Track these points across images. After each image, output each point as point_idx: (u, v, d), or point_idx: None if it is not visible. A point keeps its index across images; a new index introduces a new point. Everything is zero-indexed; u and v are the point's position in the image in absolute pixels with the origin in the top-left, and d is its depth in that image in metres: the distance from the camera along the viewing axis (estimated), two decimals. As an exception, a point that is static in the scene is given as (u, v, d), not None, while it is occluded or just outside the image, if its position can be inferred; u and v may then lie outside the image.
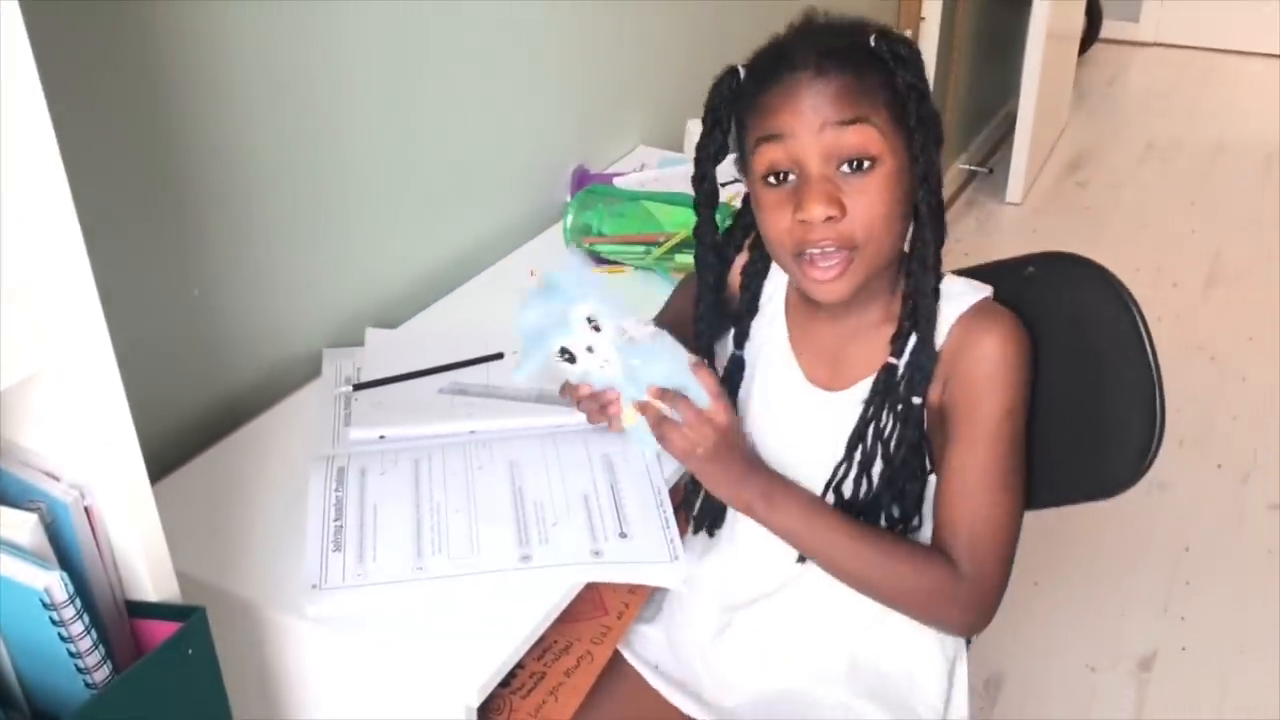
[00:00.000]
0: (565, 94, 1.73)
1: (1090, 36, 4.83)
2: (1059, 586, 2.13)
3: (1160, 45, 5.12)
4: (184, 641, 0.72)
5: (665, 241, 1.50)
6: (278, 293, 1.29)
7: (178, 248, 1.15)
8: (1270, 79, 4.77)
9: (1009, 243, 3.48)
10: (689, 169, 1.67)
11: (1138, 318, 1.07)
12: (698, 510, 1.16)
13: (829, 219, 0.95)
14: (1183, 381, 2.75)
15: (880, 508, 1.04)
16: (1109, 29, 5.02)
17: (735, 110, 1.03)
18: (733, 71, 1.03)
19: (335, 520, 1.04)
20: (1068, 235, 3.49)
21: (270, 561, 1.02)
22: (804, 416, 1.08)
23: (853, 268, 0.98)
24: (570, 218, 1.54)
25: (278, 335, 1.30)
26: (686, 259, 1.48)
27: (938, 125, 1.00)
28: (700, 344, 1.11)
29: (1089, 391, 1.10)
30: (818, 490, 1.05)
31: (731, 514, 1.14)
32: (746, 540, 1.12)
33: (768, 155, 0.97)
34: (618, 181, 1.70)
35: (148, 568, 0.77)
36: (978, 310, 1.02)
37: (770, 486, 1.02)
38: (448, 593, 0.98)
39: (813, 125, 0.94)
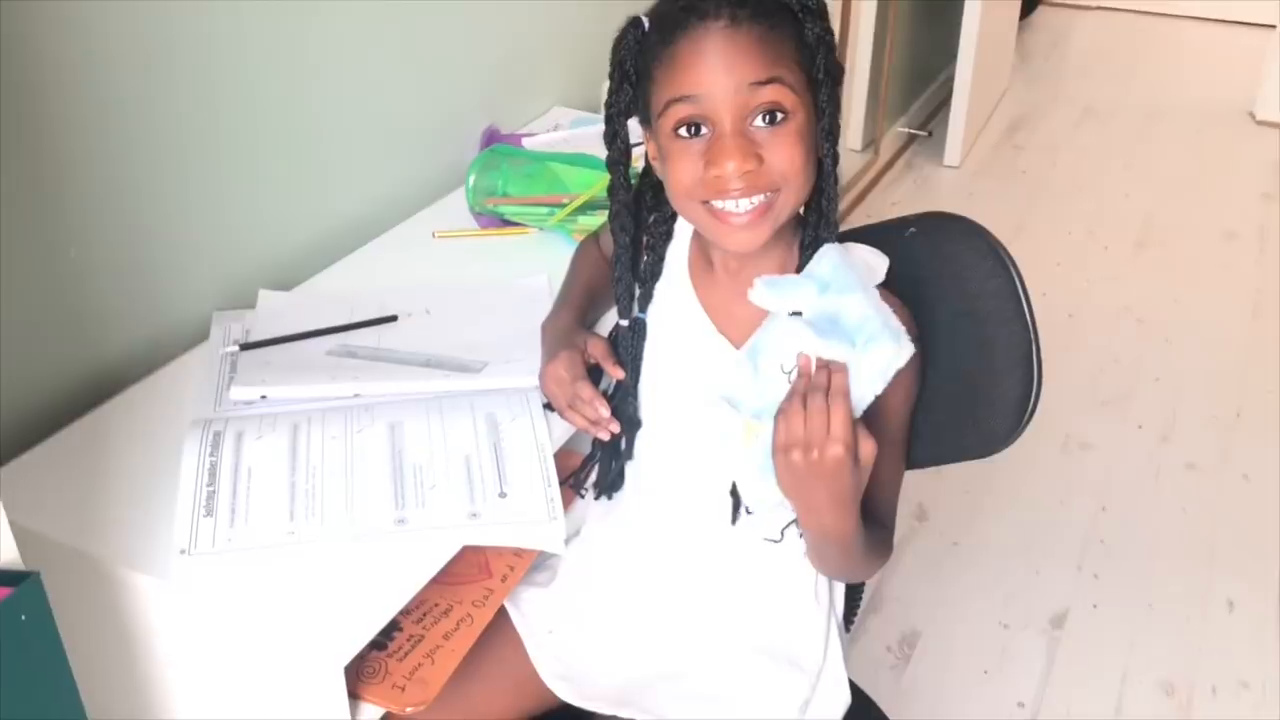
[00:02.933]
0: (477, 52, 1.71)
1: (1033, 0, 4.85)
2: (976, 545, 2.16)
3: (1103, 9, 5.13)
4: (15, 606, 0.71)
5: (570, 203, 1.49)
6: (164, 254, 1.26)
7: (53, 206, 1.12)
8: (1206, 44, 4.80)
9: (946, 205, 3.43)
10: (599, 129, 1.66)
11: (1014, 275, 1.08)
12: (597, 474, 1.16)
13: (746, 172, 0.94)
14: (1109, 343, 2.79)
15: None
16: (1052, -8, 5.04)
17: (641, 62, 1.00)
18: (636, 22, 1.01)
19: (209, 485, 1.03)
20: (1004, 198, 3.51)
21: (140, 527, 1.01)
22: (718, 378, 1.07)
23: (771, 213, 0.97)
24: (473, 178, 1.52)
25: (165, 298, 1.27)
26: (589, 220, 1.47)
27: (841, 77, 1.00)
28: (622, 307, 1.10)
29: (971, 350, 1.10)
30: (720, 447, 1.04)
31: (632, 480, 1.13)
32: (648, 505, 1.12)
33: (678, 113, 0.96)
34: (526, 142, 1.68)
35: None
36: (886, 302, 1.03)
37: (824, 510, 0.96)
38: (319, 557, 0.97)
39: (726, 86, 0.93)
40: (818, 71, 0.97)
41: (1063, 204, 3.49)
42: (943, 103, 3.97)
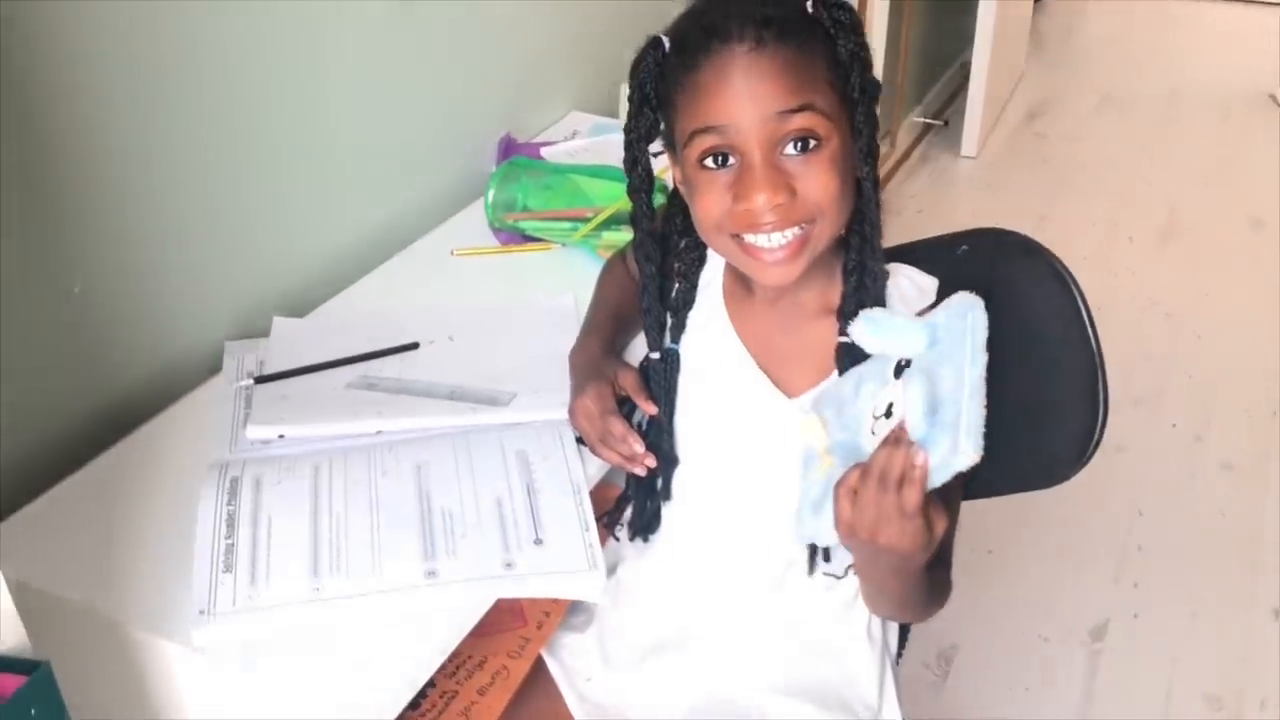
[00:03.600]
0: (490, 57, 1.64)
1: (1047, -17, 4.76)
2: (1012, 554, 2.10)
3: (1117, -8, 5.04)
4: (25, 701, 0.65)
5: (594, 217, 1.43)
6: (171, 282, 1.20)
7: (55, 240, 1.06)
8: (1224, 25, 4.72)
9: (964, 197, 3.43)
10: (620, 136, 1.58)
11: (1078, 296, 1.02)
12: (632, 514, 1.09)
13: (777, 205, 0.88)
14: (1138, 339, 2.72)
15: None
16: (1065, -25, 4.95)
17: (663, 86, 0.93)
18: (656, 43, 0.93)
19: (226, 538, 0.97)
20: (1024, 189, 3.43)
21: (156, 583, 0.95)
22: (764, 420, 1.00)
23: (807, 247, 0.91)
24: (492, 193, 1.46)
25: (173, 329, 1.21)
26: (615, 235, 1.40)
27: (878, 94, 0.93)
28: (651, 339, 1.04)
29: (1028, 376, 1.04)
30: (776, 497, 0.98)
31: (669, 520, 1.07)
32: (687, 548, 1.06)
33: (704, 143, 0.89)
34: (545, 153, 1.62)
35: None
36: None
37: (887, 573, 0.90)
38: (347, 615, 0.92)
39: (754, 116, 0.87)
40: (853, 90, 0.90)
41: (1085, 194, 3.41)
42: (957, 91, 3.90)
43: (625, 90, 1.82)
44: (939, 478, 0.80)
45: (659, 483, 1.05)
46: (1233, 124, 3.83)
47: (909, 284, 1.00)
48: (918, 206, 3.35)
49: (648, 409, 1.03)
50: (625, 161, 1.00)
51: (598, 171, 1.48)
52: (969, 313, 0.85)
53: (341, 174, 1.40)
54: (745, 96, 0.87)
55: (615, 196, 1.43)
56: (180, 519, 1.01)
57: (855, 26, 0.90)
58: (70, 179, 1.06)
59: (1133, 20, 4.79)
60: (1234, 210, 3.29)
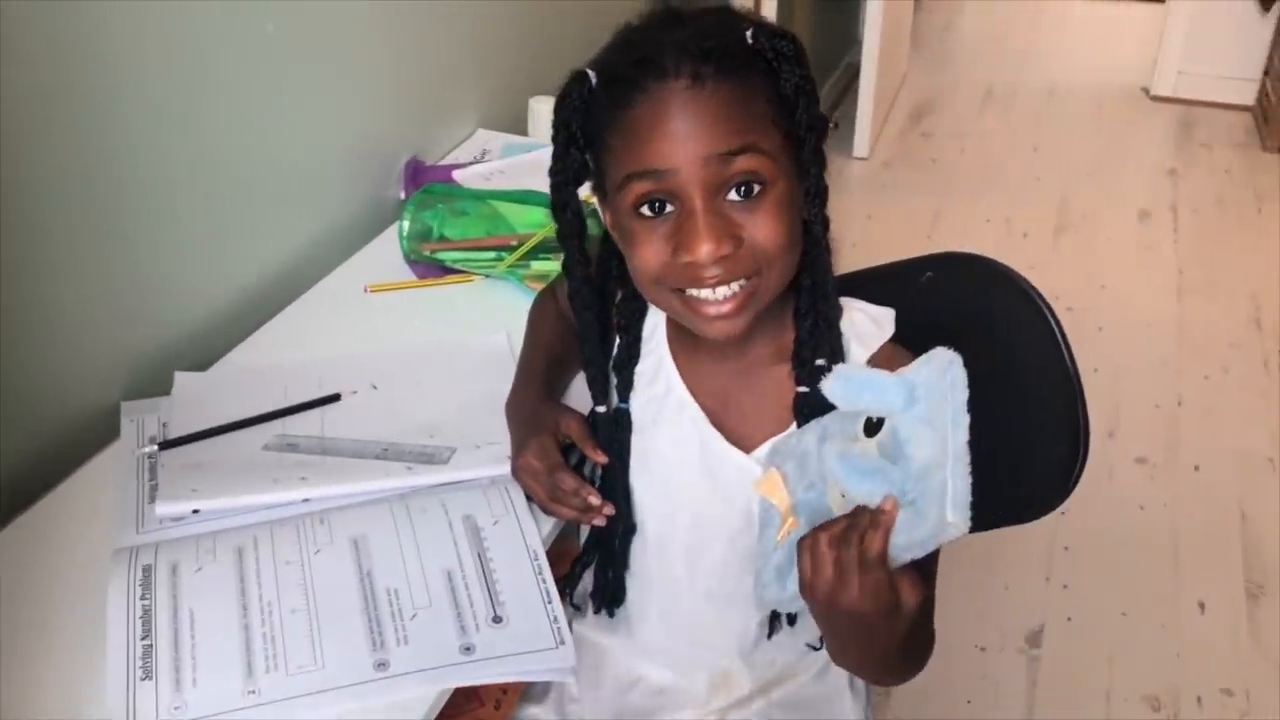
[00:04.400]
0: (390, 76, 1.53)
1: (922, -18, 4.82)
2: (944, 565, 2.07)
3: (990, -10, 5.14)
4: None
5: (519, 245, 1.34)
6: (55, 338, 1.07)
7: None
8: (1094, 21, 4.84)
9: (860, 198, 3.42)
10: (538, 157, 1.49)
11: (1052, 322, 0.97)
12: (594, 586, 1.00)
13: (722, 257, 0.80)
14: (1042, 336, 2.74)
15: None
16: (939, -28, 5.02)
17: (590, 125, 0.84)
18: (582, 78, 0.84)
19: (143, 638, 0.85)
20: (917, 188, 3.45)
21: (65, 697, 0.83)
22: (721, 477, 0.92)
23: (753, 300, 0.83)
24: (406, 222, 1.36)
25: (61, 391, 1.08)
26: (544, 265, 1.32)
27: (826, 130, 0.85)
28: (596, 393, 0.95)
29: (1001, 407, 0.98)
30: (740, 558, 0.91)
31: (640, 597, 0.98)
32: (651, 615, 0.98)
33: (640, 188, 0.81)
34: (458, 175, 1.52)
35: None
36: (885, 360, 0.89)
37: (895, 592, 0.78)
38: (290, 718, 0.81)
39: (693, 157, 0.78)
40: (799, 126, 0.82)
41: (976, 191, 3.45)
42: (844, 92, 3.91)
43: (533, 104, 1.74)
44: (922, 550, 0.74)
45: (617, 547, 0.96)
46: (1110, 117, 3.93)
47: (863, 319, 0.93)
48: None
49: (597, 459, 0.94)
50: (553, 205, 0.90)
51: (518, 196, 1.39)
52: (949, 370, 0.77)
53: (240, 210, 1.28)
54: (684, 138, 0.78)
55: (539, 223, 1.35)
56: (84, 619, 0.89)
57: (799, 57, 0.82)
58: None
59: (1007, 17, 4.88)
60: (1121, 202, 3.36)
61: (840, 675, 1.00)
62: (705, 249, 0.79)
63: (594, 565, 0.98)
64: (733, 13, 0.86)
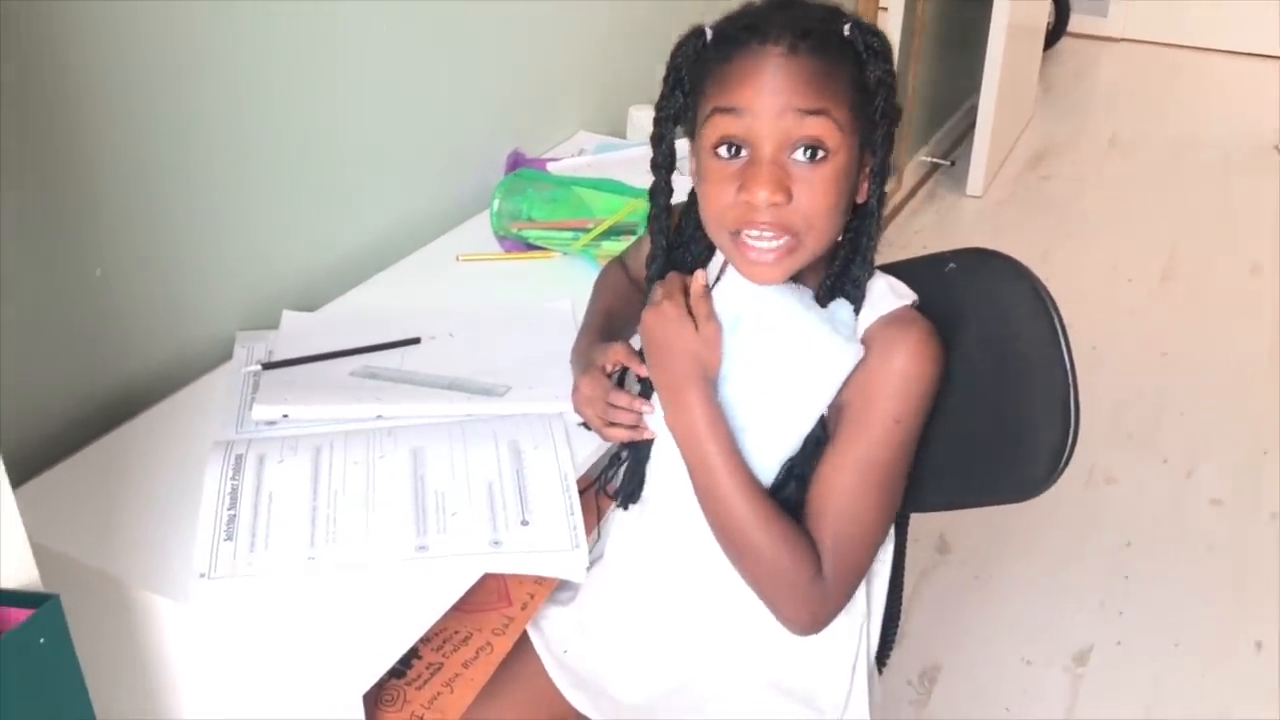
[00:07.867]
0: (503, 77, 1.71)
1: (1058, 30, 4.84)
2: (1000, 579, 2.13)
3: (1128, 40, 5.12)
4: (34, 629, 0.70)
5: (594, 227, 1.48)
6: (189, 274, 1.26)
7: (77, 225, 1.12)
8: (1233, 77, 4.78)
9: (968, 235, 3.48)
10: (626, 155, 1.65)
11: (1055, 316, 1.05)
12: (624, 477, 1.13)
13: (774, 204, 0.93)
14: (1134, 376, 2.76)
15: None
16: (1077, 23, 5.03)
17: (696, 73, 0.99)
18: (699, 32, 0.99)
19: (229, 509, 1.02)
20: (1028, 228, 3.49)
21: (160, 549, 1.00)
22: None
23: (791, 257, 0.96)
24: (497, 202, 1.52)
25: (189, 317, 1.27)
26: (614, 245, 1.46)
27: (899, 119, 0.99)
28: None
29: (1006, 391, 1.08)
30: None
31: (646, 487, 1.12)
32: (659, 511, 1.10)
33: (722, 126, 0.94)
34: (551, 167, 1.68)
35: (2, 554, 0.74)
36: (894, 318, 1.01)
37: (687, 383, 0.99)
38: (340, 583, 0.96)
39: (774, 107, 0.92)
40: (875, 113, 0.96)
41: (1087, 236, 3.47)
42: (966, 132, 3.96)
43: (632, 113, 1.89)
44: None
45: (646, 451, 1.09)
46: (1235, 172, 3.89)
47: (884, 287, 1.04)
48: (923, 243, 3.40)
49: (640, 373, 1.07)
50: (652, 138, 1.04)
51: (600, 185, 1.54)
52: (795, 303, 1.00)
53: (355, 181, 1.47)
54: (768, 89, 0.92)
55: (615, 209, 1.49)
56: (186, 492, 1.06)
57: (886, 53, 0.96)
58: (98, 171, 1.12)
59: (1142, 69, 4.86)
60: (1234, 255, 3.34)
61: (842, 665, 1.10)
62: (763, 193, 0.92)
63: (629, 458, 1.11)
64: (838, 8, 0.98)
